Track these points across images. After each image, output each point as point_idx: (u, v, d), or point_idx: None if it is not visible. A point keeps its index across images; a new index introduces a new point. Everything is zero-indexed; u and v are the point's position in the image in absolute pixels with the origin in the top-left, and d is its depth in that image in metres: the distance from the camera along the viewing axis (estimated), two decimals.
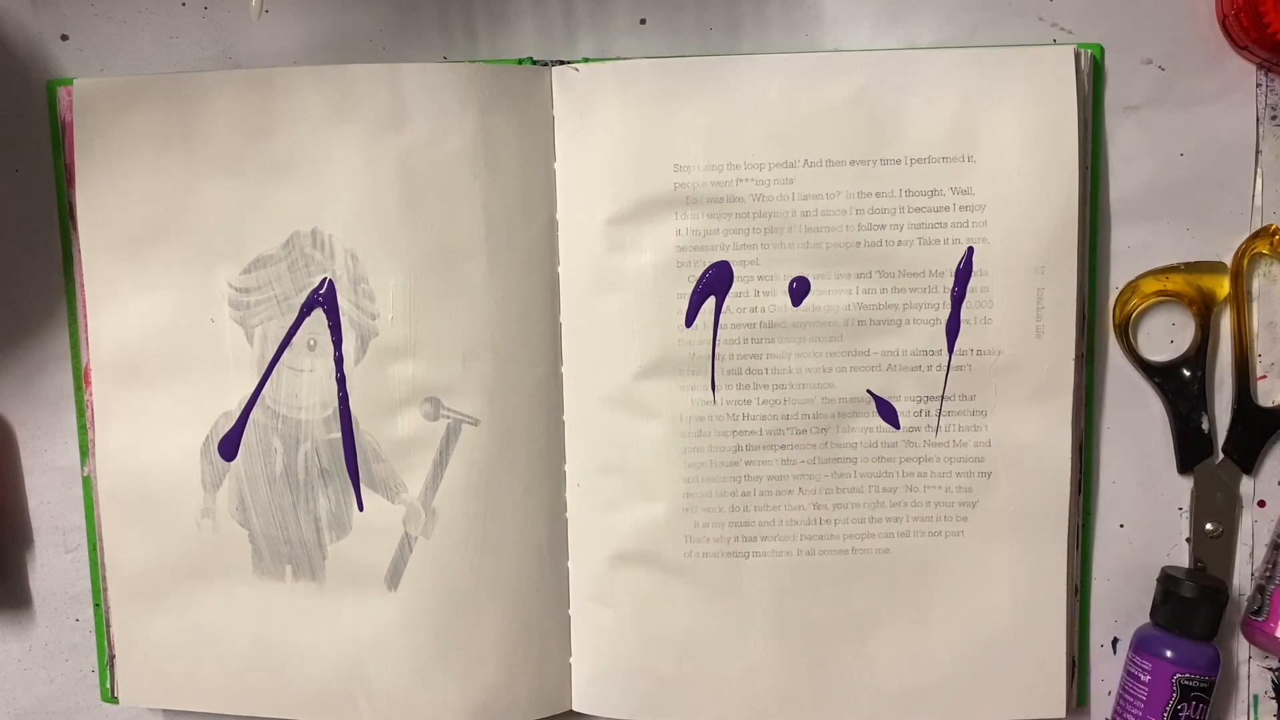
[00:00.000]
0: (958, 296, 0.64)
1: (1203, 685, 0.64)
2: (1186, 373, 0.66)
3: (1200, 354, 0.66)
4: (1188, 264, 0.66)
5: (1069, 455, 0.65)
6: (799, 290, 0.65)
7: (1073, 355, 0.64)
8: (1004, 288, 0.64)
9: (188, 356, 0.67)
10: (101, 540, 0.69)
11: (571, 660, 0.69)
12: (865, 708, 0.68)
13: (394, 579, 0.68)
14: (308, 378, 0.67)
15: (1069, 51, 0.63)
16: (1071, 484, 0.65)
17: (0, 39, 0.68)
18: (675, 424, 0.66)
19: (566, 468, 0.67)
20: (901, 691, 0.67)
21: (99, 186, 0.67)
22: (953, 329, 0.65)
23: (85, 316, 0.68)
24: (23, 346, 0.70)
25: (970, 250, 0.64)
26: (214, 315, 0.67)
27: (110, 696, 0.71)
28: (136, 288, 0.67)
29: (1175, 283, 0.66)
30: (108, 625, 0.70)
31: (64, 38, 0.68)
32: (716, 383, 0.66)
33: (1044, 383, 0.65)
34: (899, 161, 0.64)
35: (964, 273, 0.64)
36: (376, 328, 0.66)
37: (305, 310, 0.67)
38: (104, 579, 0.70)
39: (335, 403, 0.67)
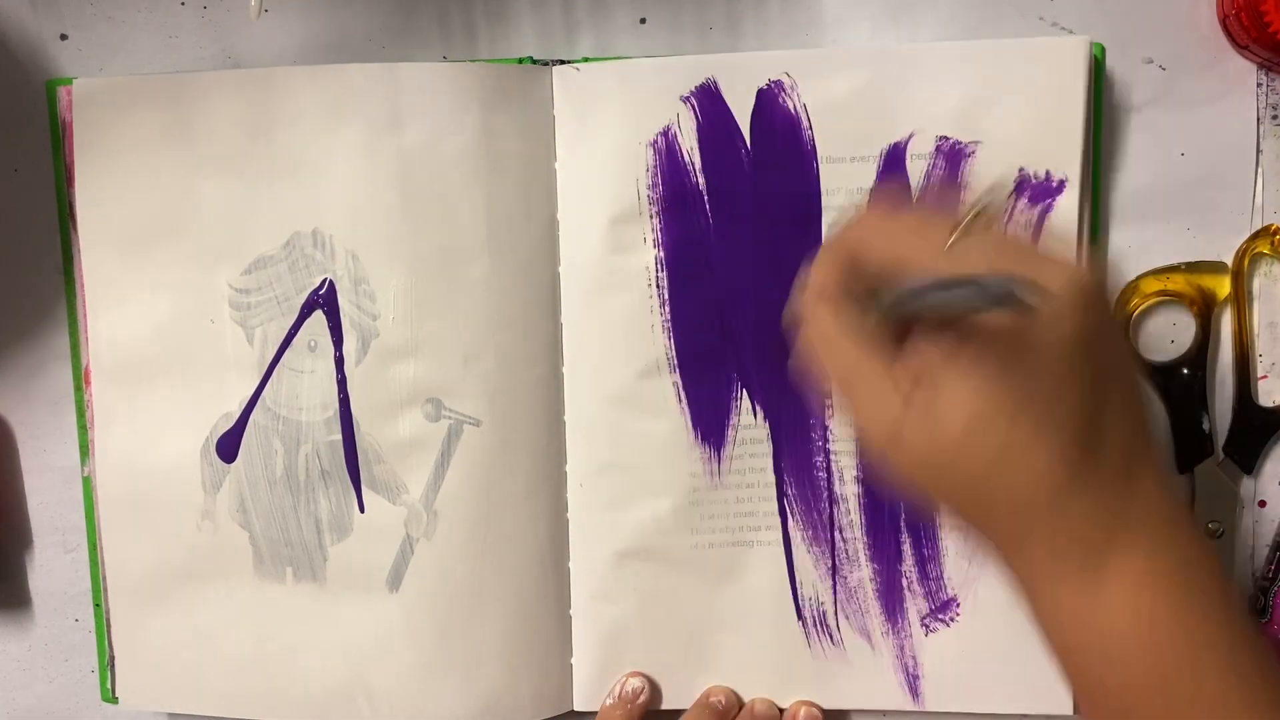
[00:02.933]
0: None
1: None
2: (1187, 373, 0.66)
3: (1201, 354, 0.66)
4: (1188, 264, 0.66)
5: None
6: None
7: None
8: None
9: (188, 357, 0.67)
10: (101, 541, 0.69)
11: (573, 661, 0.69)
12: (873, 697, 0.68)
13: (395, 580, 0.68)
14: (308, 379, 0.67)
15: (1082, 42, 0.63)
16: None
17: None
18: (680, 420, 0.66)
19: (568, 468, 0.67)
20: (908, 680, 0.67)
21: (99, 186, 0.67)
22: None
23: (85, 317, 0.68)
24: (22, 346, 0.70)
25: None
26: (214, 316, 0.67)
27: (110, 697, 0.70)
28: (137, 288, 0.67)
29: (1176, 283, 0.66)
30: (108, 626, 0.70)
31: (63, 37, 0.68)
32: None
33: None
34: (900, 157, 0.64)
35: None
36: (377, 328, 0.66)
37: (306, 311, 0.67)
38: (104, 579, 0.70)
39: (336, 404, 0.67)
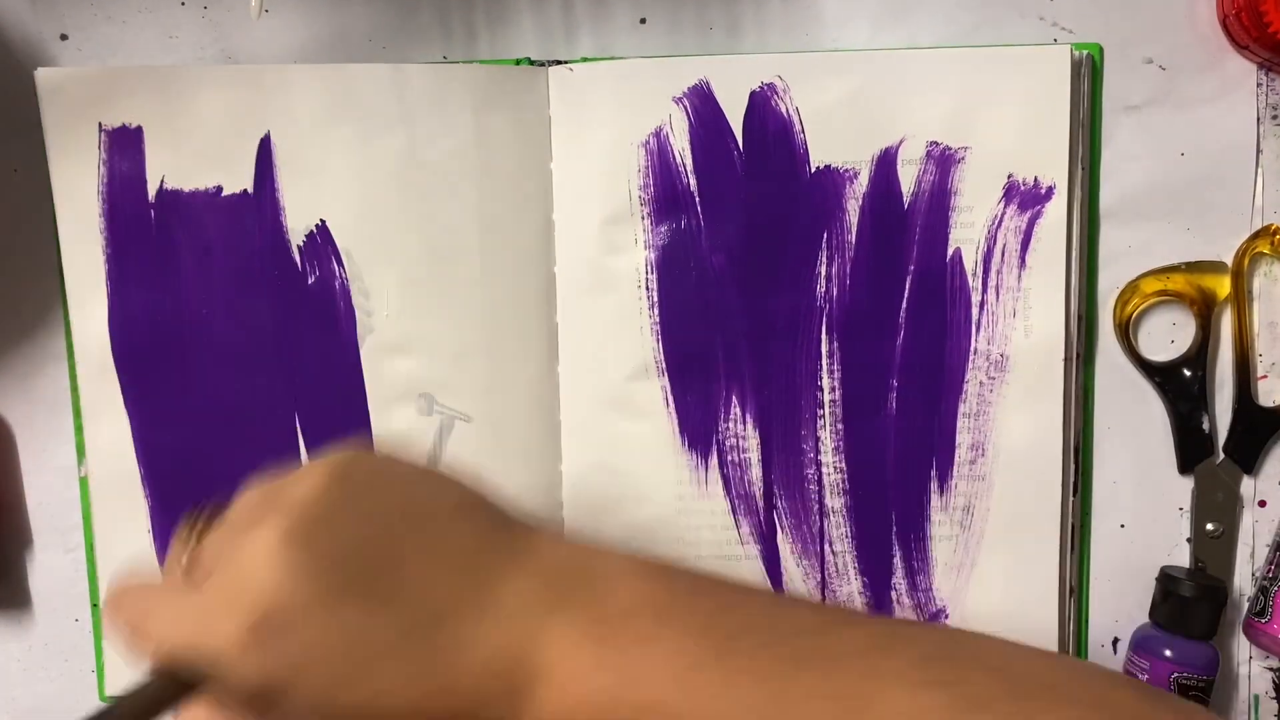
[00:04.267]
0: (945, 297, 0.64)
1: (1200, 685, 0.64)
2: (1187, 372, 0.66)
3: (1201, 354, 0.66)
4: (1188, 264, 0.65)
5: (1060, 456, 0.65)
6: None
7: (1062, 356, 0.64)
8: (991, 288, 0.64)
9: (179, 347, 0.68)
10: (94, 532, 0.70)
11: None
12: None
13: None
14: None
15: (1065, 50, 0.63)
16: (1064, 485, 0.65)
17: None
18: (668, 425, 0.66)
19: (562, 467, 0.68)
20: None
21: (75, 176, 0.67)
22: (940, 330, 0.65)
23: None
24: (20, 347, 0.70)
25: (959, 251, 0.64)
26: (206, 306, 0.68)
27: (108, 697, 0.71)
28: (122, 280, 0.67)
29: (1176, 283, 0.65)
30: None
31: (63, 37, 0.68)
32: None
33: (1034, 384, 0.65)
34: (891, 162, 0.64)
35: (951, 272, 0.64)
36: (372, 324, 0.66)
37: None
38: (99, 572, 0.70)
39: None
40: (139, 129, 0.66)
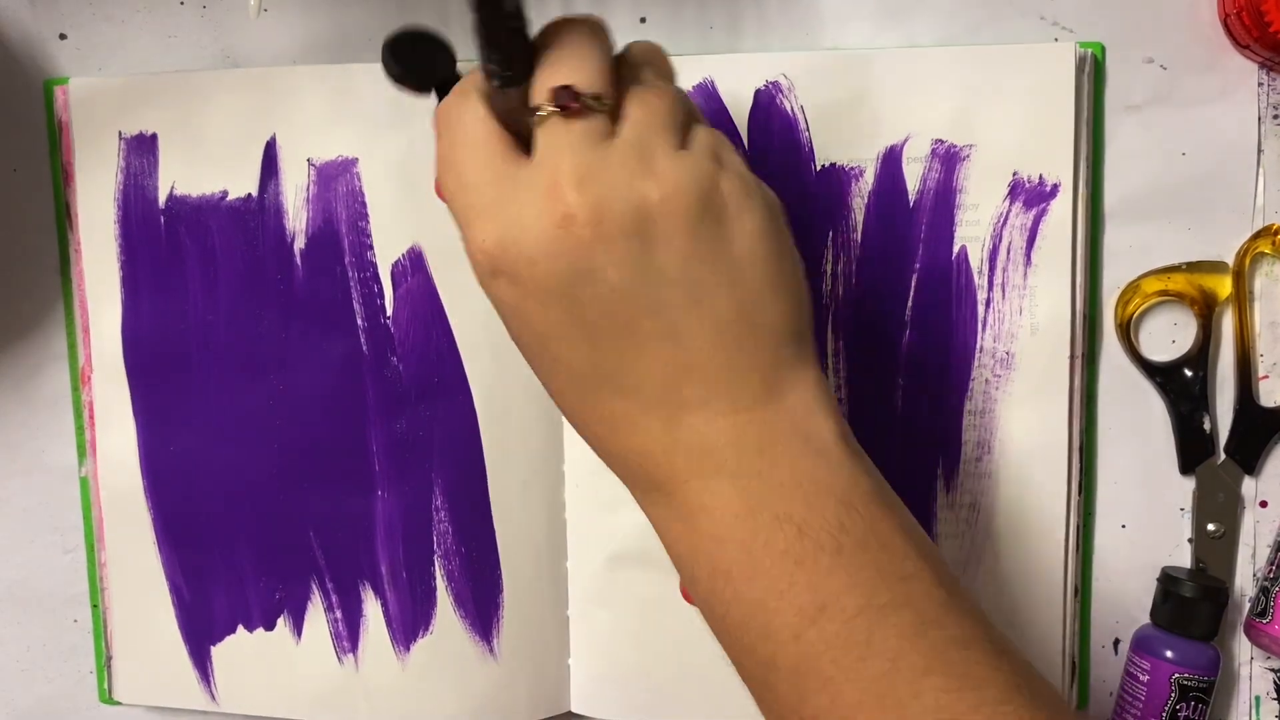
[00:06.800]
0: (951, 294, 0.64)
1: (1202, 686, 0.63)
2: (1188, 373, 0.66)
3: (1202, 354, 0.66)
4: (1189, 264, 0.65)
5: (1065, 454, 0.65)
6: None
7: (1067, 353, 0.64)
8: (997, 285, 0.64)
9: (192, 353, 0.68)
10: (103, 540, 0.70)
11: (570, 661, 0.69)
12: None
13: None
14: None
15: (1069, 47, 0.63)
16: (1070, 483, 0.65)
17: None
18: None
19: (565, 467, 0.67)
20: None
21: (98, 185, 0.67)
22: (946, 327, 0.65)
23: (83, 317, 0.68)
24: (20, 347, 0.70)
25: (964, 249, 0.64)
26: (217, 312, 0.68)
27: (108, 698, 0.71)
28: (135, 287, 0.67)
29: (1177, 283, 0.65)
30: (105, 626, 0.70)
31: (62, 37, 0.68)
32: None
33: (1040, 381, 0.64)
34: (896, 160, 0.64)
35: (958, 270, 0.64)
36: (375, 327, 0.66)
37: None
38: (102, 579, 0.70)
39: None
40: (154, 136, 0.66)
